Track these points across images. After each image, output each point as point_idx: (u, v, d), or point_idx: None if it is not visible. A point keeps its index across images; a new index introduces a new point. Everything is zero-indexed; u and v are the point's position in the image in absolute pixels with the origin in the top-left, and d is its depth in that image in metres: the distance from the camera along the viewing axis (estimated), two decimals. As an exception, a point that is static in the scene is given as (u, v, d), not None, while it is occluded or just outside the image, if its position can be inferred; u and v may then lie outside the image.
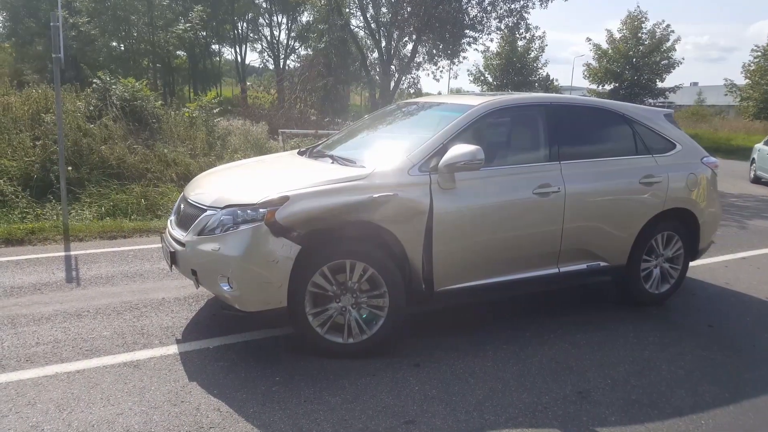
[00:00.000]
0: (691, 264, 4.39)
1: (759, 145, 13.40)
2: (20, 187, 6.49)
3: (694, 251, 4.24)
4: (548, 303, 4.17)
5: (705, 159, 4.25)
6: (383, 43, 21.57)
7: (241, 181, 3.49)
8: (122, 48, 23.24)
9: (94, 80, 8.97)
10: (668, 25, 26.63)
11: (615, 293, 4.25)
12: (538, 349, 3.29)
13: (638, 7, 40.14)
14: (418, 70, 23.37)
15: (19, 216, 5.98)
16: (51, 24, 5.36)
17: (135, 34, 22.48)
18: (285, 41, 38.02)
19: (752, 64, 26.53)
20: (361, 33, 23.83)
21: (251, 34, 39.21)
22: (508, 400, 2.70)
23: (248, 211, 2.87)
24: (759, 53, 26.29)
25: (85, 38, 20.86)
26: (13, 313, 3.51)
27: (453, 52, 21.81)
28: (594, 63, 28.64)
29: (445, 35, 20.41)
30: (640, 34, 27.13)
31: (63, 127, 6.12)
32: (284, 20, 37.74)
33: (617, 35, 27.80)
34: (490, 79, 30.73)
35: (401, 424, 2.47)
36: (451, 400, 2.68)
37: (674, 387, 2.92)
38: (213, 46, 37.69)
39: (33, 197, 6.43)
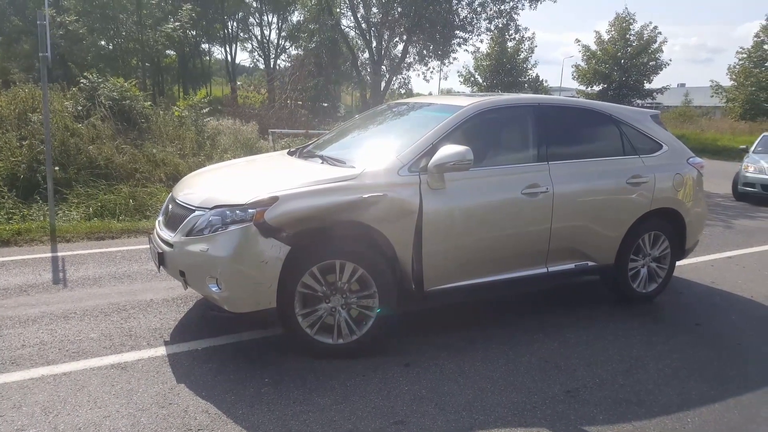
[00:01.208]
0: (678, 263, 4.45)
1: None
2: (6, 188, 6.40)
3: (680, 251, 4.29)
4: (538, 302, 4.20)
5: (691, 160, 4.31)
6: (374, 44, 21.60)
7: (230, 182, 3.47)
8: (110, 47, 22.94)
9: (82, 79, 8.86)
10: (655, 27, 27.02)
11: (604, 292, 4.29)
12: (528, 348, 3.31)
13: (626, 8, 40.59)
14: (408, 70, 23.53)
15: (5, 217, 5.89)
16: (38, 22, 5.29)
17: (123, 33, 22.20)
18: (275, 41, 37.89)
19: (737, 66, 26.98)
20: (352, 33, 23.86)
21: (241, 34, 38.99)
22: (497, 400, 2.72)
23: (237, 212, 2.85)
24: (744, 55, 26.75)
25: (72, 37, 20.58)
26: (-3, 316, 3.46)
27: (443, 52, 21.93)
28: (583, 64, 28.91)
29: (436, 36, 20.52)
30: (628, 36, 27.44)
31: (50, 126, 6.05)
32: (275, 20, 37.62)
33: (606, 37, 28.11)
34: (480, 80, 30.87)
35: (390, 425, 2.47)
36: (440, 400, 2.69)
37: (661, 385, 2.96)
38: (203, 46, 37.42)
39: (19, 198, 6.35)
